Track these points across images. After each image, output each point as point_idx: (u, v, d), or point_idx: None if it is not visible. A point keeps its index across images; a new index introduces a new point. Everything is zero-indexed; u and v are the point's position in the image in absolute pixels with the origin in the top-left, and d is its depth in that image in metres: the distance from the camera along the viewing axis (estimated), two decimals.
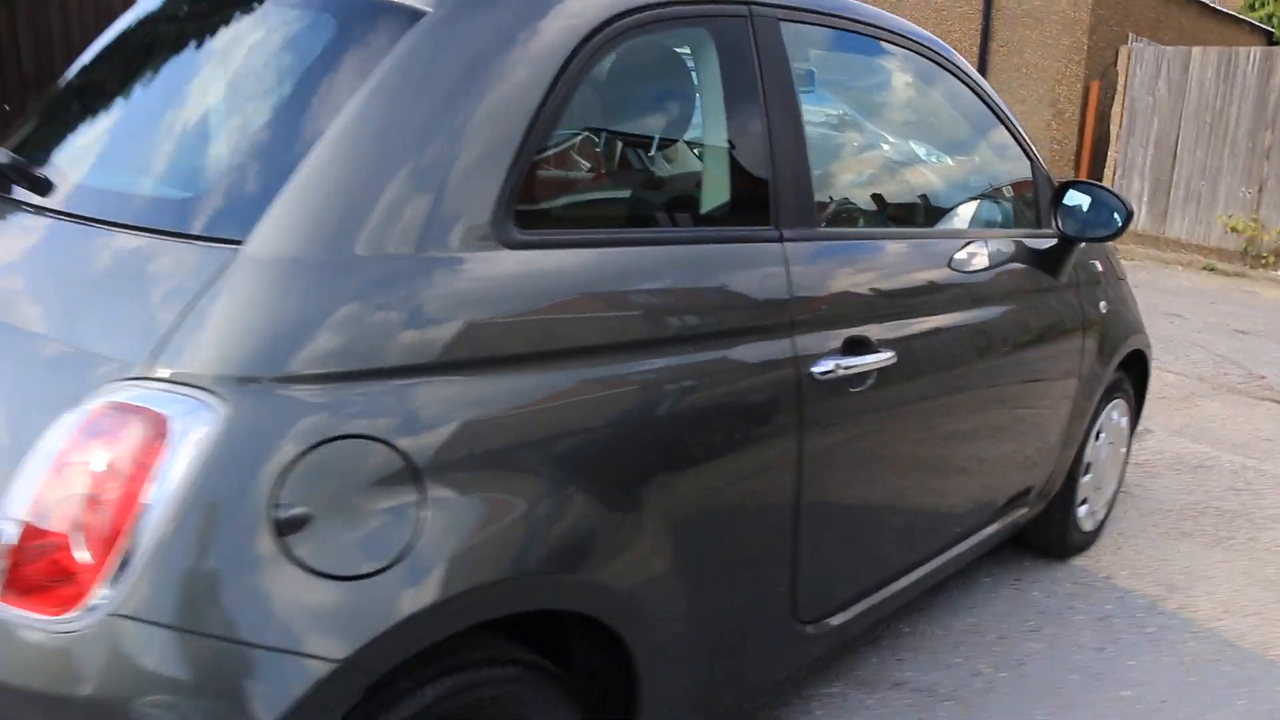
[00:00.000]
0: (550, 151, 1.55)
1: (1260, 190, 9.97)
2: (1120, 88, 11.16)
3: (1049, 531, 3.16)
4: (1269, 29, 17.61)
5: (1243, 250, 10.01)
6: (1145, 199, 10.98)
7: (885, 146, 2.60)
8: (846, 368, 1.85)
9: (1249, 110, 10.05)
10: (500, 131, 1.41)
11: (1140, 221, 10.93)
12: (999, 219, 2.71)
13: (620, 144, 1.77)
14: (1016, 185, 2.76)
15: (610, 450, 1.48)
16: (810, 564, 1.94)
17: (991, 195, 2.74)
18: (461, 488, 1.31)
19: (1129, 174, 11.15)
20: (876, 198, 2.38)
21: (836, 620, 2.09)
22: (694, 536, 1.64)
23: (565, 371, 1.43)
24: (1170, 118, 10.73)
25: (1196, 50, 10.55)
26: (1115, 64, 11.43)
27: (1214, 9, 14.74)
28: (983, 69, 12.83)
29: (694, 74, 1.81)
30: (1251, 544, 3.43)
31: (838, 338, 1.87)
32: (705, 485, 1.64)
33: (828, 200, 2.10)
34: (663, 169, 1.85)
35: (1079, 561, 3.24)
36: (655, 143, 1.83)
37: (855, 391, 1.90)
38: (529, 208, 1.48)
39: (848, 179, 2.29)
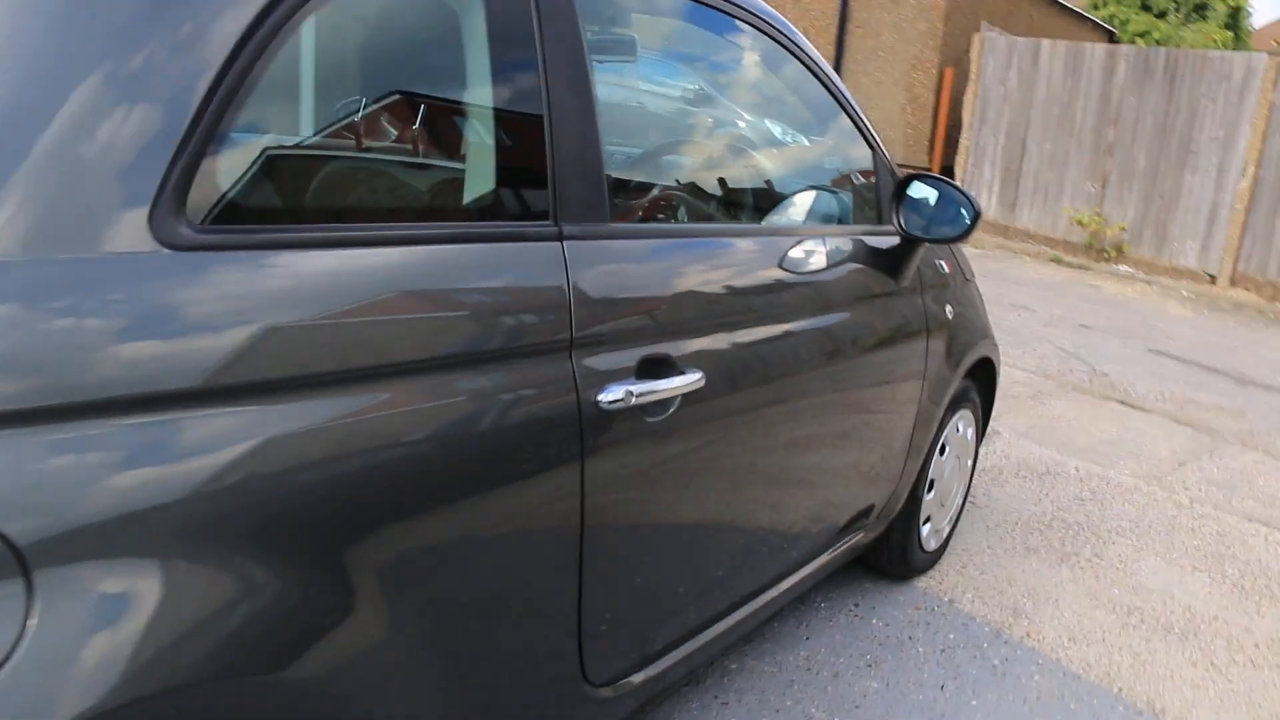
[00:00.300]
0: (253, 124, 1.15)
1: (1104, 185, 10.18)
2: (973, 75, 11.24)
3: (890, 552, 2.92)
4: (1111, 29, 18.24)
5: (1087, 244, 10.21)
6: (996, 188, 11.11)
7: (710, 129, 2.27)
8: (641, 394, 1.51)
9: (1094, 106, 10.23)
10: (169, 92, 1.02)
11: (991, 210, 11.05)
12: (836, 213, 2.43)
13: (358, 116, 1.37)
14: (856, 177, 2.48)
15: (318, 510, 1.12)
16: (600, 620, 1.62)
17: (829, 187, 2.46)
18: (89, 579, 0.93)
19: (980, 162, 11.26)
20: (694, 187, 2.05)
21: (640, 677, 1.78)
22: (445, 605, 1.31)
23: (249, 413, 1.06)
24: (1020, 108, 10.85)
25: (1046, 43, 10.68)
26: (969, 51, 11.50)
27: (1062, 5, 15.10)
28: (840, 50, 12.79)
29: (460, 33, 1.43)
30: (1096, 561, 3.28)
31: (631, 358, 1.54)
32: (455, 545, 1.30)
33: (630, 190, 1.76)
34: (413, 148, 1.46)
35: (922, 583, 3.02)
36: (405, 115, 1.43)
37: (654, 420, 1.58)
38: (212, 198, 1.09)
39: (660, 165, 1.95)
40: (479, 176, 1.43)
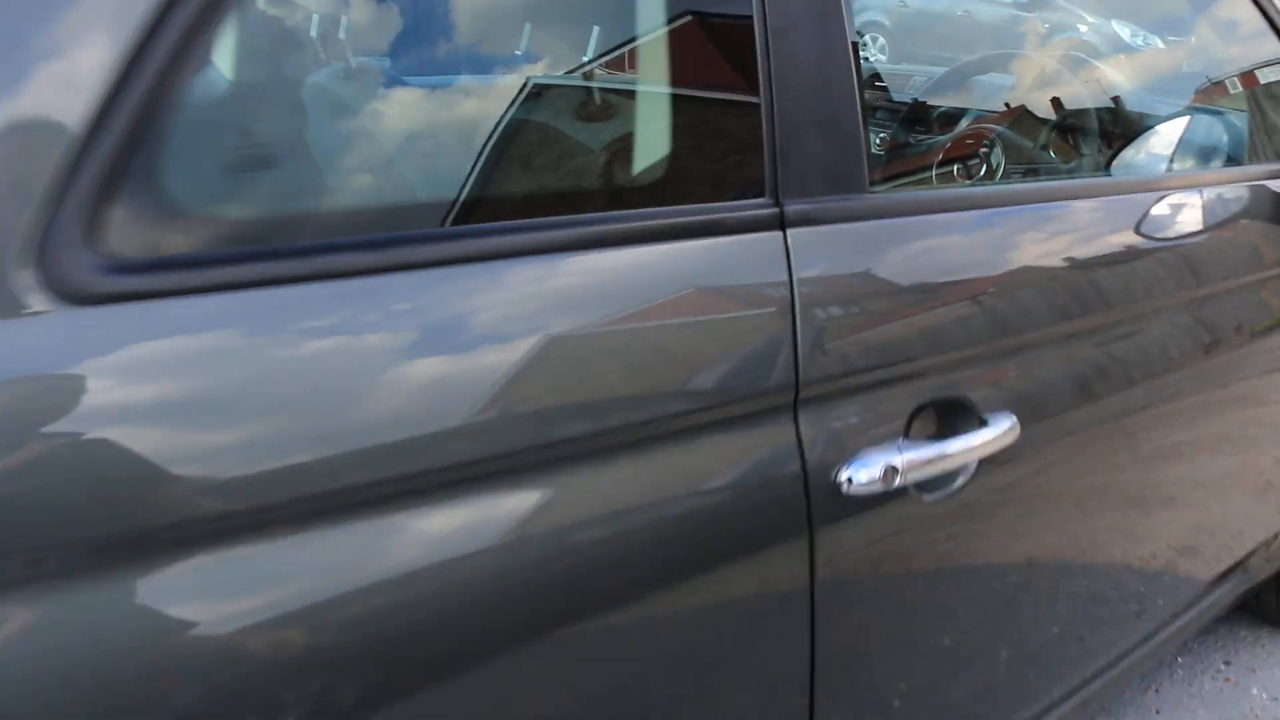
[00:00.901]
0: (192, 88, 0.69)
1: None
2: None
3: (1274, 594, 2.23)
4: None
5: None
6: None
7: (1041, 38, 1.65)
8: (914, 466, 0.97)
9: None
10: (51, 73, 0.63)
11: None
12: (1223, 147, 1.76)
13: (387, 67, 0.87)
14: (1255, 94, 1.80)
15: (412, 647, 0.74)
16: None
17: (1210, 109, 1.79)
18: None
19: None
20: (1014, 124, 1.44)
21: None
22: None
23: (253, 549, 0.67)
24: None
25: None
26: None
27: None
28: None
29: None
30: None
31: (898, 408, 0.99)
32: (619, 687, 0.88)
33: (911, 138, 1.19)
34: (530, 98, 0.93)
35: None
36: (514, 47, 0.92)
37: (934, 498, 1.03)
38: (144, 215, 0.66)
39: (962, 96, 1.36)
40: (645, 135, 0.91)
